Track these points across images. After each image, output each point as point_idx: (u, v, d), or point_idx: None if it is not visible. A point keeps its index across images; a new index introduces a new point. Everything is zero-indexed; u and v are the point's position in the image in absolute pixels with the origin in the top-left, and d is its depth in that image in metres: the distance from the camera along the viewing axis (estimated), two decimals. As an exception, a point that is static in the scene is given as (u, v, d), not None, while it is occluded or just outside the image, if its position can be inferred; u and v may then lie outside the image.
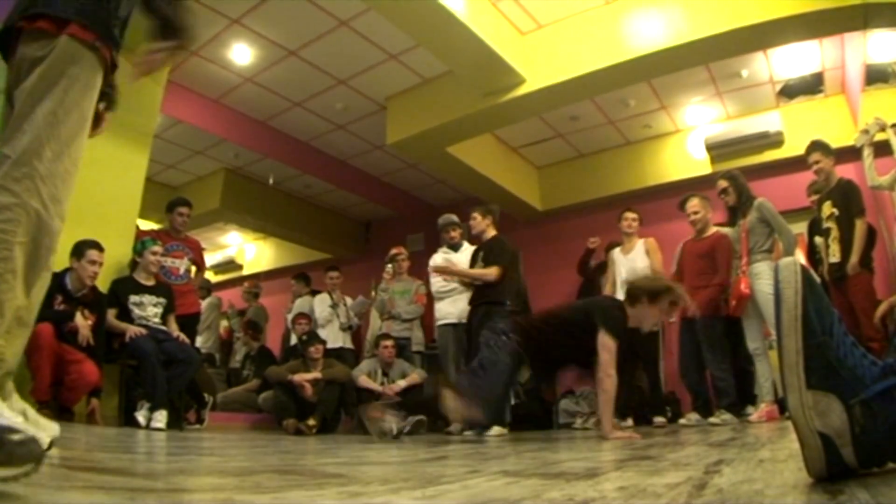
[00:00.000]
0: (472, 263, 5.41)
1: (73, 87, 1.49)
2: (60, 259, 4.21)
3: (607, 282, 5.85)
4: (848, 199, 4.86)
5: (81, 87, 1.51)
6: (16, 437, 0.85)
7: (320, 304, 6.75)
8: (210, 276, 9.31)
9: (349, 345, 6.63)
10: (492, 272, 5.19)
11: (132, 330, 4.49)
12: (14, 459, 0.83)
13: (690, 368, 5.05)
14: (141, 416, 4.29)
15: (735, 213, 5.11)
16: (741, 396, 5.44)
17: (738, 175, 5.10)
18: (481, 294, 5.26)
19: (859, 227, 4.77)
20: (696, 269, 5.10)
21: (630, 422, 5.29)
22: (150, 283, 4.86)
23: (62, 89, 1.47)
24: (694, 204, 5.22)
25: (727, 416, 4.67)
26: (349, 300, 6.91)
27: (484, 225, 5.48)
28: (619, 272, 5.64)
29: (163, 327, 4.77)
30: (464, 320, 5.48)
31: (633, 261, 5.58)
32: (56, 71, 1.48)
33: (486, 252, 5.33)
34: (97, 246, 4.29)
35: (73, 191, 1.50)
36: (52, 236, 1.44)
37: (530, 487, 1.09)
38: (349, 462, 1.84)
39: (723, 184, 5.10)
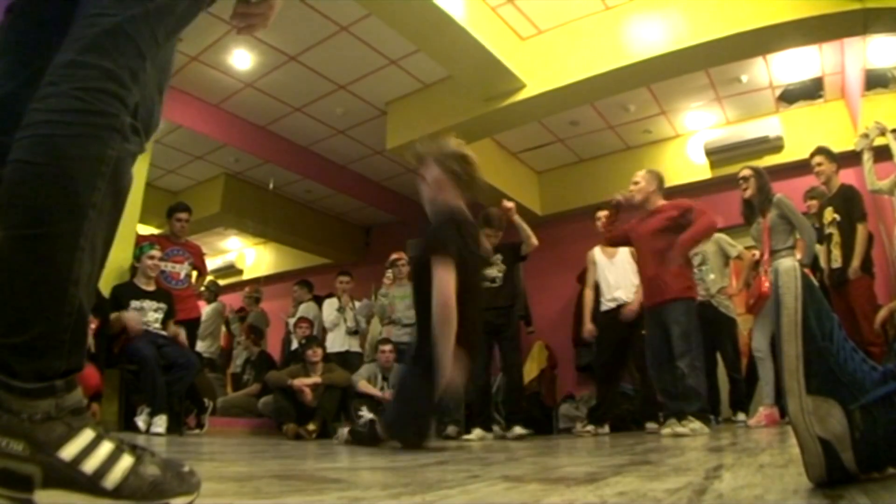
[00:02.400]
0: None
1: None
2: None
3: (586, 285, 5.62)
4: (850, 204, 4.88)
5: None
6: (185, 468, 0.90)
7: (328, 308, 6.73)
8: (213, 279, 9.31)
9: (356, 348, 6.58)
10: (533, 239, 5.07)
11: (130, 319, 4.51)
12: (192, 489, 0.88)
13: (663, 368, 4.33)
14: (141, 421, 4.29)
15: (752, 208, 4.85)
16: (731, 404, 5.40)
17: (763, 172, 4.85)
18: (507, 295, 5.13)
19: (861, 232, 4.79)
20: (657, 250, 4.39)
21: (606, 428, 5.15)
22: (151, 288, 4.87)
23: None
24: (639, 174, 4.69)
25: (696, 426, 3.92)
26: (358, 304, 6.88)
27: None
28: (603, 277, 5.43)
29: (163, 332, 4.78)
30: None
31: (619, 264, 5.37)
32: None
33: (507, 251, 5.21)
34: None
35: None
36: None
37: (530, 493, 1.09)
38: (349, 467, 1.84)
39: (746, 172, 4.82)
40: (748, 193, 4.79)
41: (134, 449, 0.87)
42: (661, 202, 4.60)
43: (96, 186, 0.85)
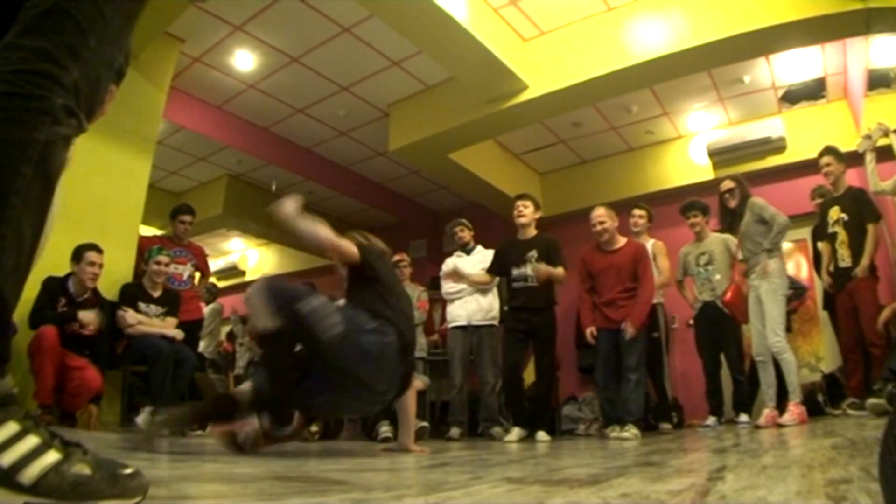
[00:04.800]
0: (517, 259, 4.96)
1: None
2: (61, 264, 4.26)
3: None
4: (861, 205, 4.89)
5: None
6: (126, 471, 0.88)
7: None
8: (213, 281, 9.32)
9: None
10: (561, 272, 4.82)
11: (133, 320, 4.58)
12: (128, 493, 0.86)
13: (611, 379, 4.71)
14: (142, 421, 4.29)
15: (733, 217, 4.92)
16: (734, 405, 5.38)
17: (743, 180, 4.96)
18: (544, 295, 4.94)
19: (872, 232, 4.80)
20: (614, 282, 4.77)
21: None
22: (157, 293, 4.88)
23: None
24: (600, 214, 4.89)
25: (636, 431, 4.37)
26: None
27: (533, 218, 5.10)
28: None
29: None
30: (473, 322, 5.37)
31: None
32: None
33: (543, 249, 4.91)
34: (95, 248, 4.37)
35: None
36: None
37: (533, 494, 1.09)
38: (352, 469, 1.84)
39: (730, 184, 4.90)
40: (733, 204, 4.88)
41: (67, 446, 0.85)
42: (622, 240, 4.95)
43: (21, 172, 0.83)
